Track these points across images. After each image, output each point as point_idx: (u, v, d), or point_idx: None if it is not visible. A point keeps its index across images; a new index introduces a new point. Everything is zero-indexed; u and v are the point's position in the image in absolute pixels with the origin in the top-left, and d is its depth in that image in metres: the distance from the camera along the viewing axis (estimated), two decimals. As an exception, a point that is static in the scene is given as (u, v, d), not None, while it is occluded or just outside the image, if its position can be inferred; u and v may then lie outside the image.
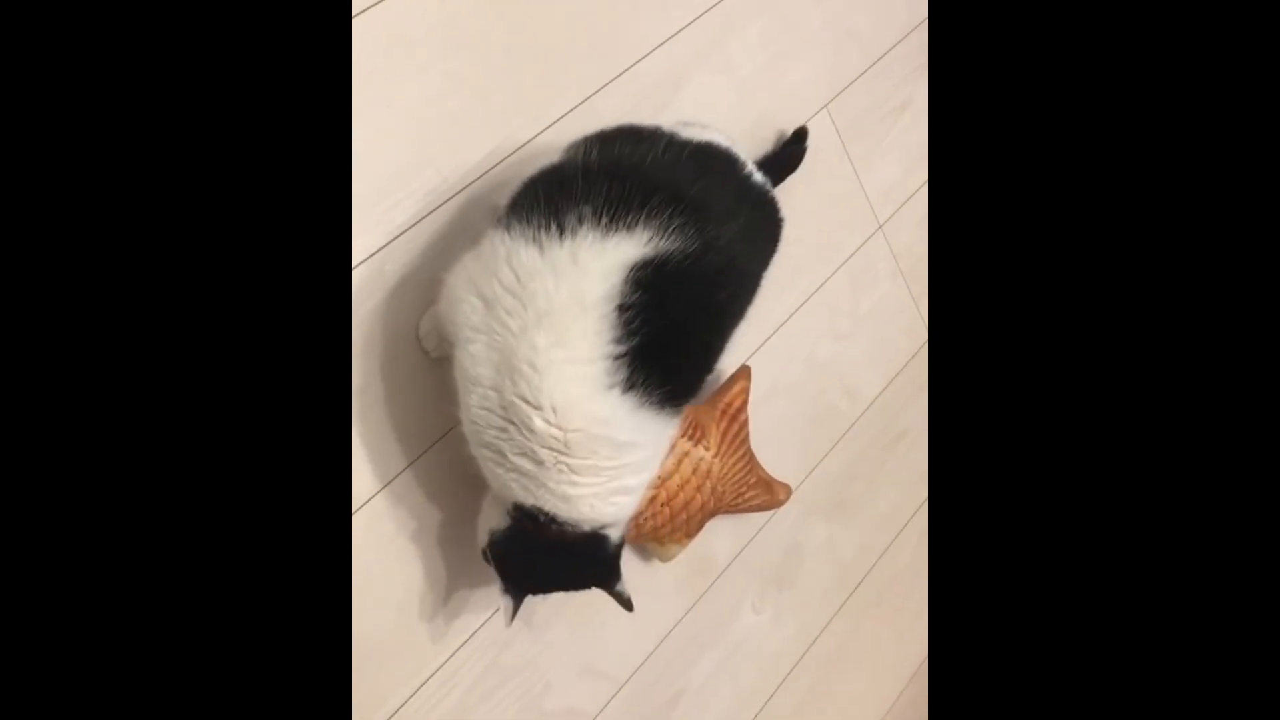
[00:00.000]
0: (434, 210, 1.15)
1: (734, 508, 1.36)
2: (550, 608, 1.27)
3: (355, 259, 1.10)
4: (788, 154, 1.39)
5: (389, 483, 1.12)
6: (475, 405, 0.92)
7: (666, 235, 0.88)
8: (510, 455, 0.92)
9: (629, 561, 1.10)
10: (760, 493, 1.38)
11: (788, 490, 1.44)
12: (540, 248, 0.89)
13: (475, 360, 0.91)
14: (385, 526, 1.13)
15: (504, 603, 1.02)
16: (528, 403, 0.88)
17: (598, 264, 0.87)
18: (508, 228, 0.93)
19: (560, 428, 0.88)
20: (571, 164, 0.96)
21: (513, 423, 0.90)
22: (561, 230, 0.88)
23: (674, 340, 0.92)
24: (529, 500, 0.94)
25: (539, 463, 0.90)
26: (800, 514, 1.53)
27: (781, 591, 1.53)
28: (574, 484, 0.92)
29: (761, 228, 1.07)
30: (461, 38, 1.17)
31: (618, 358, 0.87)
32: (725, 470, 1.30)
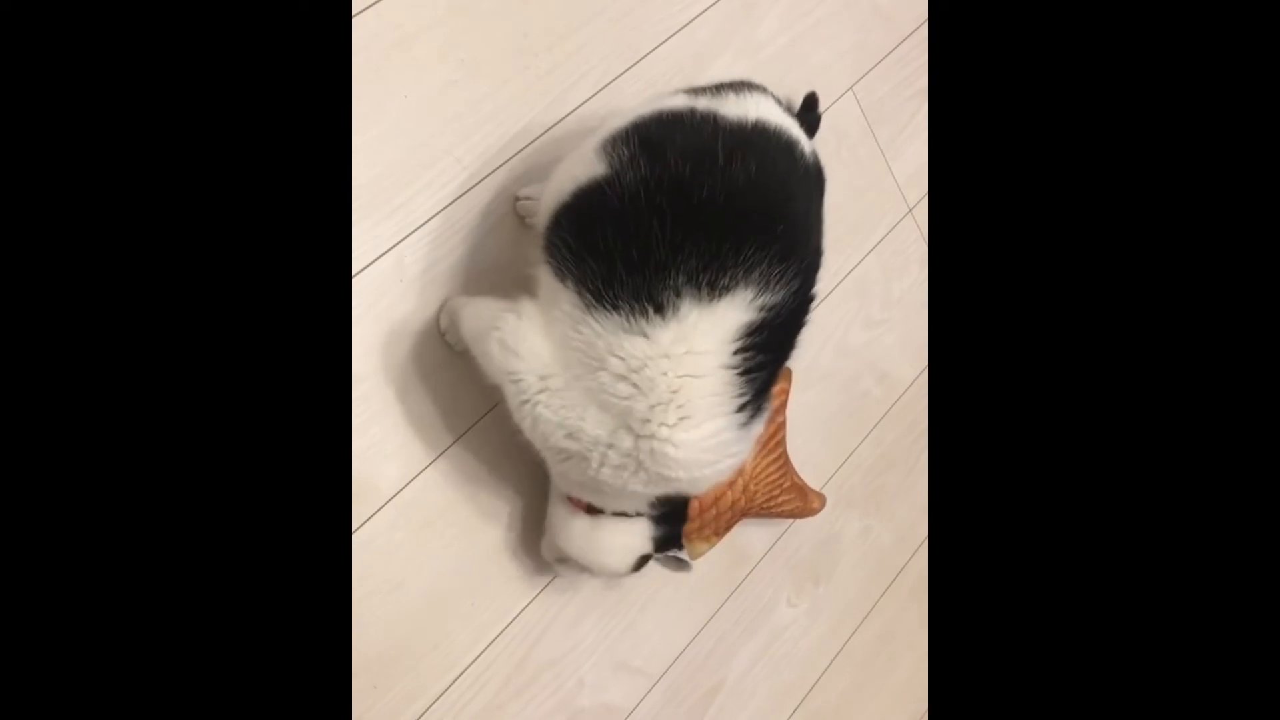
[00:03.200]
0: (454, 201, 1.13)
1: (766, 510, 1.33)
2: (581, 604, 1.25)
3: (375, 252, 1.08)
4: (803, 124, 1.33)
5: (413, 479, 1.11)
6: (596, 464, 0.92)
7: (771, 288, 0.84)
8: (644, 487, 0.94)
9: (658, 559, 1.11)
10: (794, 498, 1.36)
11: (822, 499, 1.41)
12: (645, 336, 0.84)
13: (585, 426, 0.90)
14: (409, 524, 1.11)
15: (670, 564, 1.10)
16: (661, 470, 0.90)
17: (708, 340, 0.85)
18: (586, 306, 0.86)
19: (693, 470, 0.91)
20: (632, 192, 0.85)
21: (644, 469, 0.91)
22: (661, 310, 0.83)
23: (781, 362, 0.93)
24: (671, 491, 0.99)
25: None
26: (835, 505, 1.50)
27: (818, 584, 1.50)
28: (702, 483, 0.97)
29: (819, 192, 1.01)
30: (476, 24, 1.16)
31: (741, 409, 0.89)
32: (758, 469, 1.28)
